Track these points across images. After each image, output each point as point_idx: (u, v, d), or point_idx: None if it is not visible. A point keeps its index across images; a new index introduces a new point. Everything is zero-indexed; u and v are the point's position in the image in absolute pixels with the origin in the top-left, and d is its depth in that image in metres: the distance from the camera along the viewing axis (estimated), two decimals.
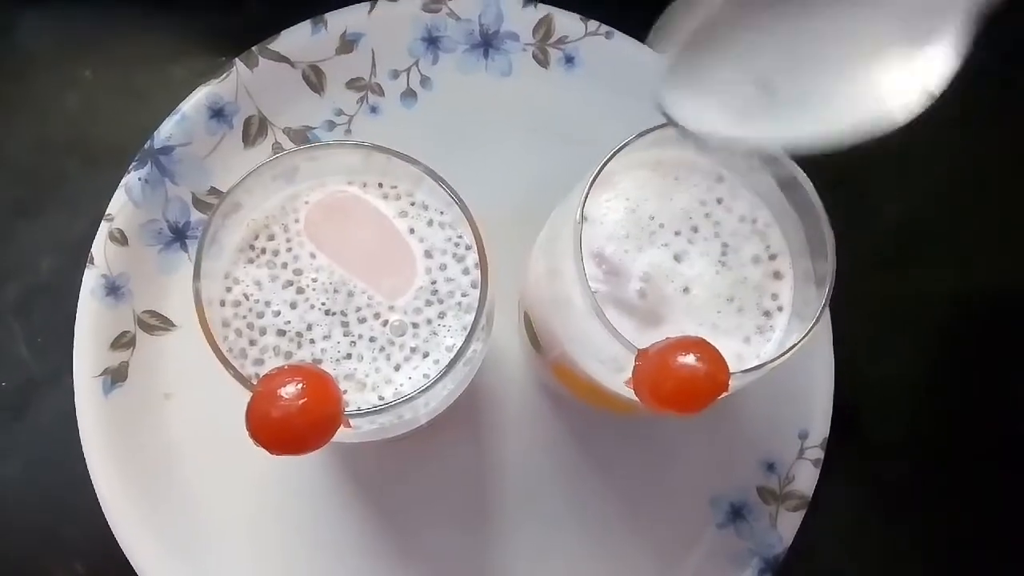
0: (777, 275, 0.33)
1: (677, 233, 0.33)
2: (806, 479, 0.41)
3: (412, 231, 0.32)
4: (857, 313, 0.42)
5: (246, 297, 0.31)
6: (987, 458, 0.43)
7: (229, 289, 0.31)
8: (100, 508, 0.39)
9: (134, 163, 0.42)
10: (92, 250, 0.41)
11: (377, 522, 0.41)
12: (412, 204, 0.32)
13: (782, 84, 0.24)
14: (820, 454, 0.41)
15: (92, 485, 0.39)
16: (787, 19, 0.24)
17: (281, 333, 0.30)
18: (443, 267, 0.32)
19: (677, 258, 0.33)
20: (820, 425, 0.41)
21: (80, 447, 0.39)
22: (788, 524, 0.41)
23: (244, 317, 0.30)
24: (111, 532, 0.39)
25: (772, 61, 0.24)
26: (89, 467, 0.39)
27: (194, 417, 0.41)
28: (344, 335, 0.31)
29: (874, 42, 0.23)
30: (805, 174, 0.30)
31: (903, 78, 0.23)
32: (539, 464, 0.41)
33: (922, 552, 0.43)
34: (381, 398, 0.30)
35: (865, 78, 0.24)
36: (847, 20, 0.23)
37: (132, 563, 0.39)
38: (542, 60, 0.44)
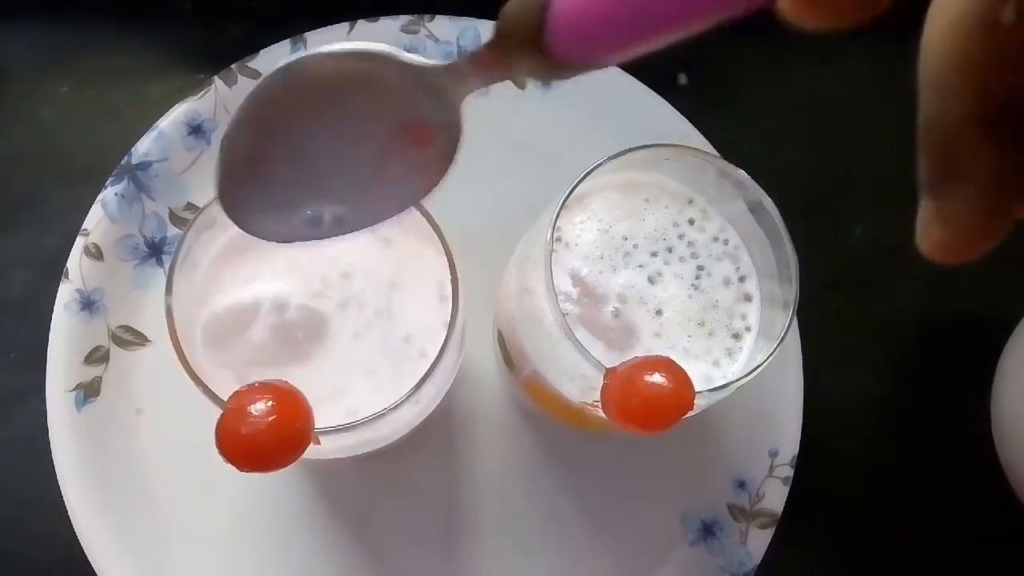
0: (747, 297, 0.34)
1: (653, 254, 0.34)
2: (775, 497, 0.41)
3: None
4: (824, 334, 0.43)
5: (219, 312, 0.31)
6: (950, 476, 0.44)
7: (202, 304, 0.31)
8: (71, 525, 0.39)
9: (111, 178, 0.42)
10: (67, 264, 0.41)
11: (350, 540, 0.41)
12: None
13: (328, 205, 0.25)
14: (790, 472, 0.42)
15: (63, 501, 0.39)
16: (305, 143, 0.24)
17: (253, 349, 0.31)
18: None
19: (651, 280, 0.33)
20: (790, 443, 0.42)
21: (51, 463, 0.39)
22: (758, 541, 0.41)
23: (217, 332, 0.31)
24: (82, 550, 0.38)
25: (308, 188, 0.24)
26: (60, 483, 0.39)
27: (167, 433, 0.41)
28: (320, 351, 0.31)
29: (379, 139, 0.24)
30: (772, 200, 0.31)
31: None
32: (511, 481, 0.41)
33: (888, 569, 0.44)
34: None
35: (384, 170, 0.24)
36: (350, 125, 0.23)
37: None
38: (519, 82, 0.45)
